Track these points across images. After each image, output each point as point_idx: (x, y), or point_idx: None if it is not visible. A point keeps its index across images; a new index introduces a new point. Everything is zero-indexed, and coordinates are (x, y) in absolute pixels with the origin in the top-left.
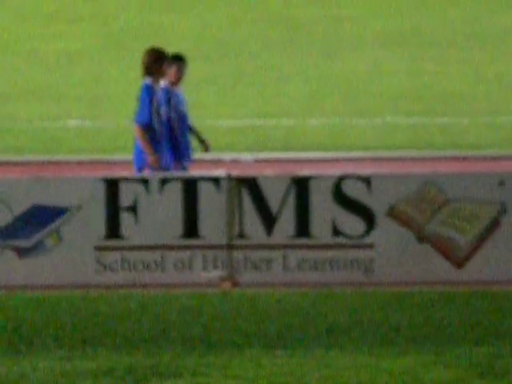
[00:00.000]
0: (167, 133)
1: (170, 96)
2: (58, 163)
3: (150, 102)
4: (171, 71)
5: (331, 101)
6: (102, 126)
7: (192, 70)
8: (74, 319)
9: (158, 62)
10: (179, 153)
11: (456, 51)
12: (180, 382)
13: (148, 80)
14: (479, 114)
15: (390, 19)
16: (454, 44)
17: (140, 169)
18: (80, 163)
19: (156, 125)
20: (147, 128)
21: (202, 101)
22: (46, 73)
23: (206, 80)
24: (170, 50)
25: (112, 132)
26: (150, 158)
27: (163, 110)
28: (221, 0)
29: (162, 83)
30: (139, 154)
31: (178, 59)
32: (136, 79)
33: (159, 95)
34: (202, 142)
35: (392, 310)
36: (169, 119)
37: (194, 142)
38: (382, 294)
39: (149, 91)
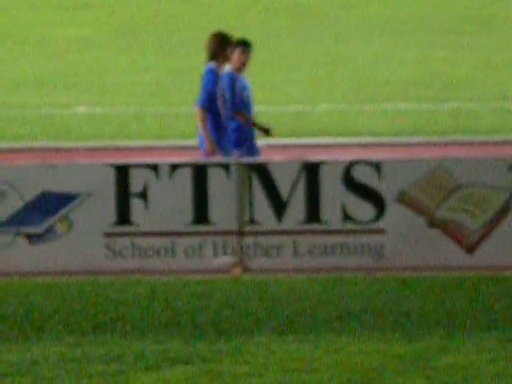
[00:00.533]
0: (230, 118)
1: (233, 81)
2: (68, 150)
3: (214, 85)
4: (235, 56)
5: (341, 87)
6: (111, 112)
7: (200, 58)
8: (84, 305)
9: (222, 46)
10: (242, 139)
11: (465, 37)
12: (190, 368)
13: (212, 64)
14: (489, 100)
15: (398, 6)
16: (463, 30)
17: (205, 153)
18: (90, 150)
19: (221, 109)
20: (210, 112)
21: None
22: (55, 60)
23: None
24: (177, 38)
25: (121, 119)
26: (207, 145)
27: (227, 95)
28: None
29: (227, 68)
30: (202, 138)
31: (243, 44)
32: (145, 67)
33: (223, 80)
34: (262, 128)
35: (402, 295)
36: (233, 105)
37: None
38: (393, 279)
39: (213, 75)
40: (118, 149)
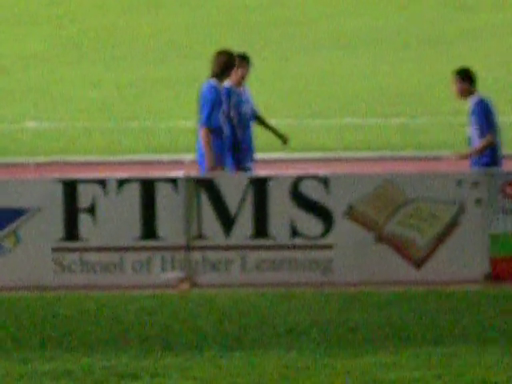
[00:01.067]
0: (228, 133)
1: (230, 96)
2: (16, 165)
3: (218, 103)
4: (234, 71)
5: (288, 103)
6: (60, 127)
7: (148, 72)
8: (33, 321)
9: (227, 65)
10: (240, 154)
11: (412, 52)
12: (138, 383)
13: (213, 81)
14: (436, 115)
15: (344, 21)
16: (410, 45)
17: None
18: (39, 165)
19: (223, 126)
20: (214, 130)
21: (158, 103)
22: (3, 75)
23: (163, 82)
24: (126, 53)
25: (70, 134)
26: (207, 162)
27: (225, 110)
28: (177, 3)
29: (226, 83)
30: (203, 156)
31: (242, 58)
32: (94, 82)
33: (223, 95)
34: (279, 136)
35: (350, 310)
36: (229, 119)
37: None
38: (341, 294)
39: (215, 92)
40: (66, 164)
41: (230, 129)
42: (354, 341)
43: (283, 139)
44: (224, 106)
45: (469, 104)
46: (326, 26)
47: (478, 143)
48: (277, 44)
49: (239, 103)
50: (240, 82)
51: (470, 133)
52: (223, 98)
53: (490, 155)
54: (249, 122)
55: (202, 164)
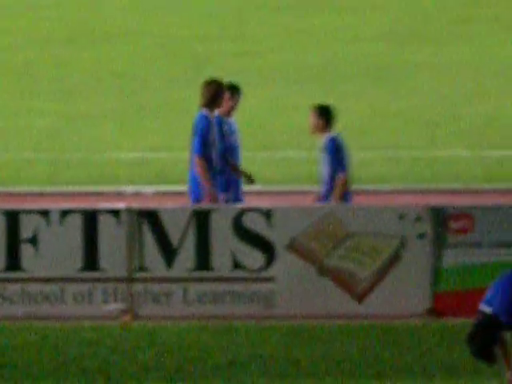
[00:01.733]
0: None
1: (221, 125)
2: None
3: (207, 132)
4: (224, 101)
5: None
6: (4, 157)
7: (93, 104)
8: None
9: (219, 94)
10: (228, 184)
11: (357, 86)
12: None
13: (205, 111)
14: (380, 148)
15: (292, 54)
16: (355, 79)
17: (196, 200)
18: None
19: (213, 156)
20: (206, 160)
21: (102, 133)
22: None
23: (107, 113)
24: (71, 83)
25: (14, 164)
26: (206, 192)
27: (215, 139)
28: (123, 35)
29: (215, 112)
30: (196, 185)
31: (232, 88)
32: (39, 111)
33: (214, 124)
34: (245, 175)
35: (292, 343)
36: (219, 149)
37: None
38: (283, 327)
39: (206, 122)
40: (9, 194)
41: (219, 159)
42: (295, 375)
43: (250, 179)
44: (215, 136)
45: (322, 141)
46: (274, 59)
47: (328, 180)
48: (226, 76)
49: (229, 133)
50: (229, 112)
51: (321, 170)
52: (214, 128)
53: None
54: (237, 153)
55: (196, 192)
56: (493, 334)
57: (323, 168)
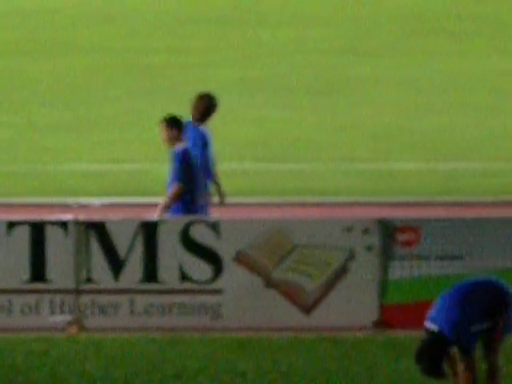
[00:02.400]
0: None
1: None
2: None
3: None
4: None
5: None
6: None
7: (44, 115)
8: None
9: (209, 108)
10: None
11: (309, 98)
12: None
13: (197, 124)
14: (329, 160)
15: (245, 66)
16: (308, 91)
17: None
18: None
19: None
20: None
21: (50, 145)
22: None
23: (56, 125)
24: (25, 94)
25: None
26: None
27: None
28: (77, 47)
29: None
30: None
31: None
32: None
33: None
34: (219, 193)
35: (239, 355)
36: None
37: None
38: (230, 339)
39: (204, 137)
40: None
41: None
42: None
43: (222, 199)
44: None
45: (173, 151)
46: (227, 71)
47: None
48: (179, 88)
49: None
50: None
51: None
52: (209, 141)
53: (185, 203)
54: (209, 166)
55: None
56: (440, 350)
57: (170, 178)
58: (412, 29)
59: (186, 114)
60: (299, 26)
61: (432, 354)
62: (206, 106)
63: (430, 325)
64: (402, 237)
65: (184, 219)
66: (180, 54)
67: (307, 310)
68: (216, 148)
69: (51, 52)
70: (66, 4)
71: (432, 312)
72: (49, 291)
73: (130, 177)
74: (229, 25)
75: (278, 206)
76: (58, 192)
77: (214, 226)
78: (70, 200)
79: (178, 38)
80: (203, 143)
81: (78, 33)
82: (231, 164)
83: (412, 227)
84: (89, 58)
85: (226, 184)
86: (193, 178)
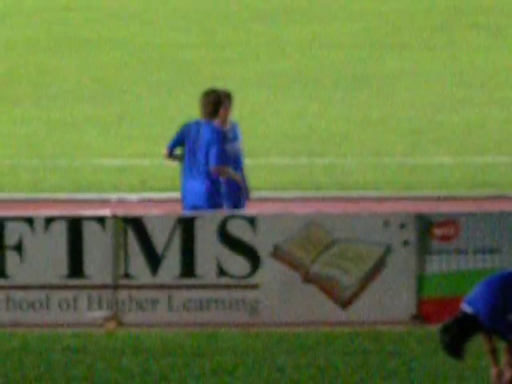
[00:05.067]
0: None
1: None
2: None
3: (222, 143)
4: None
5: None
6: None
7: (76, 110)
8: None
9: (219, 104)
10: (230, 192)
11: (340, 93)
12: None
13: (208, 121)
14: (363, 155)
15: (273, 60)
16: (338, 85)
17: (214, 206)
18: None
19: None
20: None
21: (86, 140)
22: None
23: (90, 120)
24: (53, 90)
25: None
26: (245, 187)
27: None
28: (104, 42)
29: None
30: (212, 192)
31: (224, 97)
32: (20, 119)
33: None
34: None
35: (277, 350)
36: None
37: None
38: (267, 334)
39: (218, 133)
40: None
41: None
42: (279, 382)
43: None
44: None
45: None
46: (254, 65)
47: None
48: (208, 83)
49: (233, 139)
50: (224, 120)
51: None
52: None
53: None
54: (239, 160)
55: (206, 203)
56: (468, 332)
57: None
58: (441, 22)
59: None
60: (328, 21)
61: (459, 332)
62: (213, 102)
63: (466, 307)
64: (439, 231)
65: (221, 214)
66: (207, 48)
67: (344, 304)
68: (252, 143)
69: (79, 48)
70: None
71: (470, 295)
72: (86, 287)
73: (166, 172)
74: (256, 19)
75: (315, 200)
76: (95, 187)
77: (252, 221)
78: (108, 195)
79: (206, 33)
80: (222, 139)
81: (105, 28)
82: (268, 158)
83: (449, 221)
84: (117, 53)
85: (263, 179)
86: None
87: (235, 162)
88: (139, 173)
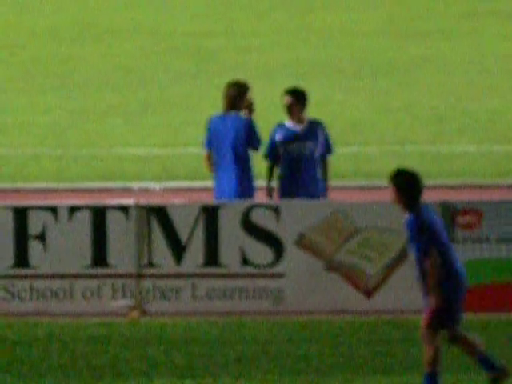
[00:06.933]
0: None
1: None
2: None
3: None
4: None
5: None
6: (9, 153)
7: (100, 99)
8: None
9: (240, 95)
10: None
11: (364, 81)
12: None
13: (237, 113)
14: (387, 143)
15: (297, 49)
16: (361, 74)
17: (249, 195)
18: None
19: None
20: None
21: (109, 129)
22: None
23: (113, 109)
24: (76, 79)
25: (19, 160)
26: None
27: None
28: (128, 31)
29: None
30: (248, 181)
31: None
32: (43, 108)
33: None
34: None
35: (301, 339)
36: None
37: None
38: (291, 323)
39: (252, 124)
40: (16, 191)
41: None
42: (303, 370)
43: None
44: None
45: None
46: (279, 54)
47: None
48: (231, 71)
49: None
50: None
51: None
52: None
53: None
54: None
55: (248, 191)
56: None
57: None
58: (464, 10)
59: None
60: (350, 9)
61: None
62: (237, 93)
63: None
64: (463, 219)
65: (245, 203)
66: (230, 37)
67: (368, 293)
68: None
69: (102, 37)
70: None
71: None
72: (110, 276)
73: (189, 161)
74: (279, 8)
75: (338, 189)
76: (119, 176)
77: (275, 210)
78: (131, 184)
79: (230, 22)
80: (249, 130)
81: (130, 17)
82: None
83: (473, 210)
84: (140, 42)
85: None
86: None
87: (297, 162)
88: (162, 162)
